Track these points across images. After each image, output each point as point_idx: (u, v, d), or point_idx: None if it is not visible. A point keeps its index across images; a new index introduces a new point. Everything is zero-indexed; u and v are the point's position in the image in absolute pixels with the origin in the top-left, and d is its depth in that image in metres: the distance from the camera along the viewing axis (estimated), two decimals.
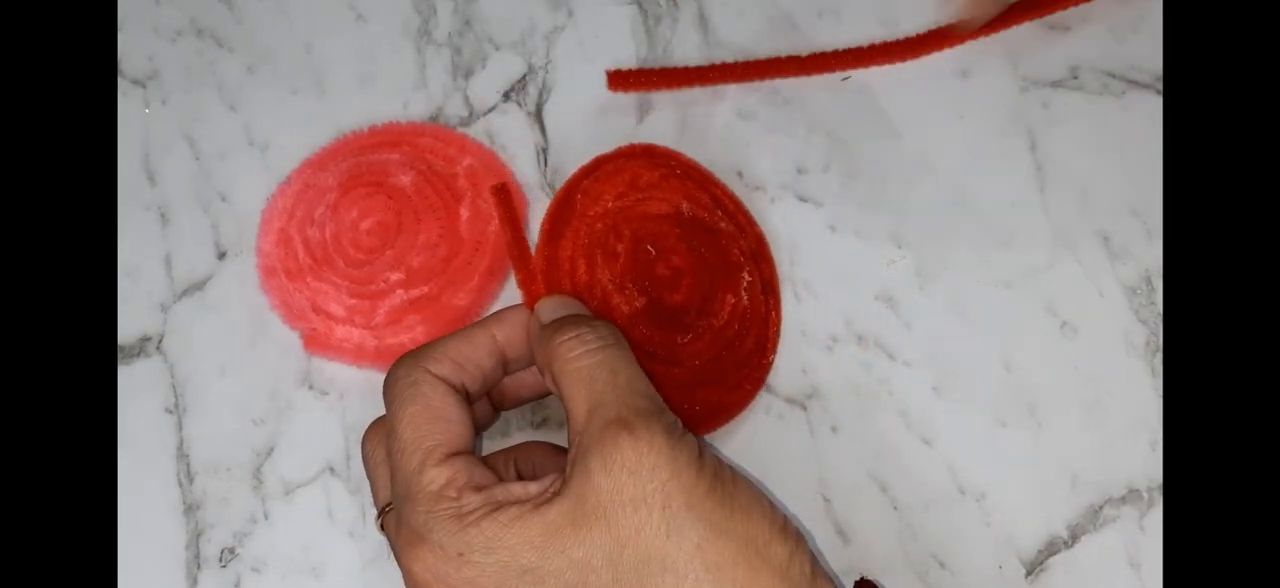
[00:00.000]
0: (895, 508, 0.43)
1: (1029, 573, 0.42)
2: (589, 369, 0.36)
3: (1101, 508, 0.42)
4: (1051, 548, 0.42)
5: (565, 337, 0.37)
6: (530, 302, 0.42)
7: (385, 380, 0.39)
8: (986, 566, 0.42)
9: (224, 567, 0.43)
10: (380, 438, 0.39)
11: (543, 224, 0.44)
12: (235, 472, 0.44)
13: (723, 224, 0.45)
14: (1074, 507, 0.42)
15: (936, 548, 0.42)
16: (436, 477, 0.36)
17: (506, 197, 0.45)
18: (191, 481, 0.44)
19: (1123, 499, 0.42)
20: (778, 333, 0.45)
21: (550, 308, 0.40)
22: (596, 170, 0.45)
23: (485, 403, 0.42)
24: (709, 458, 0.35)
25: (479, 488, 0.36)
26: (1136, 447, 0.43)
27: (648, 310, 0.43)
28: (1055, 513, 0.42)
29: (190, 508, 0.44)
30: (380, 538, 0.43)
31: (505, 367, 0.40)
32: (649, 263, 0.44)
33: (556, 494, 0.35)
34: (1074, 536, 0.42)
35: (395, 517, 0.37)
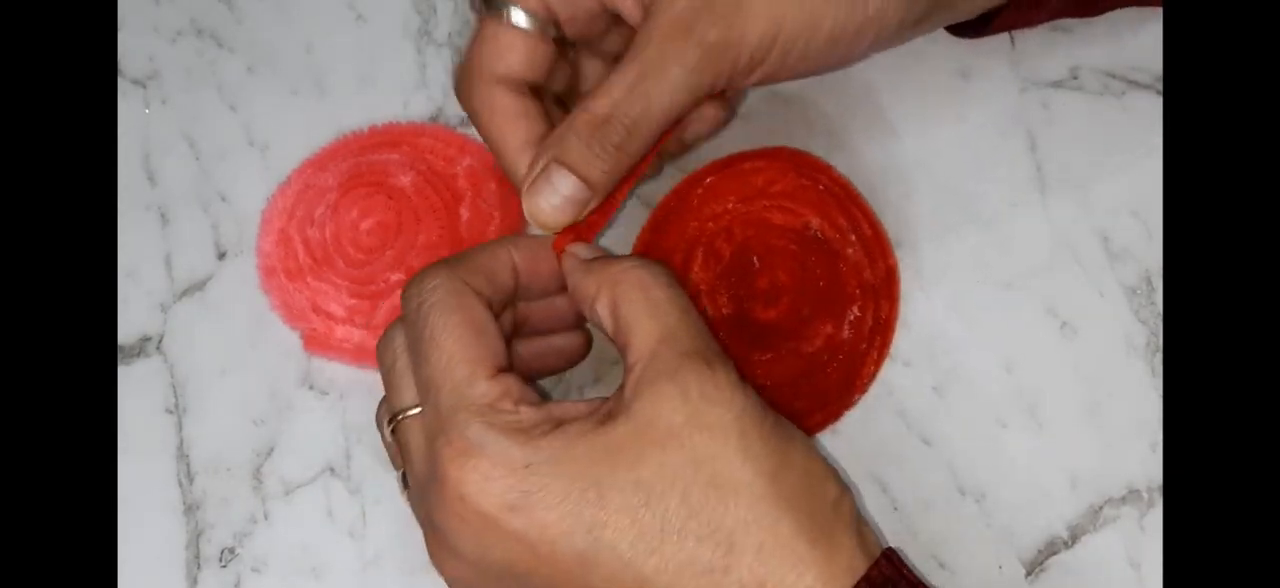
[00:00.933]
0: (895, 508, 0.43)
1: (1029, 573, 0.42)
2: (663, 301, 0.36)
3: (1101, 508, 0.42)
4: (1051, 548, 0.42)
5: (632, 265, 0.37)
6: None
7: (413, 288, 0.37)
8: (986, 566, 0.42)
9: (224, 567, 0.43)
10: (399, 341, 0.37)
11: (654, 212, 0.43)
12: (235, 472, 0.44)
13: (851, 251, 0.44)
14: (1074, 507, 0.42)
15: (936, 548, 0.42)
16: (490, 390, 0.35)
17: None
18: (191, 481, 0.44)
19: (1123, 499, 0.42)
20: (873, 376, 0.43)
21: (587, 250, 0.39)
22: (729, 167, 0.44)
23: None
24: (769, 408, 0.36)
25: (534, 404, 0.35)
26: (1136, 447, 0.43)
27: (732, 319, 0.42)
28: (1055, 513, 0.42)
29: (190, 508, 0.44)
30: (380, 538, 0.43)
31: (515, 289, 0.39)
32: (750, 274, 0.43)
33: (614, 414, 0.34)
34: (1074, 536, 0.42)
35: (431, 429, 0.35)
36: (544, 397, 0.37)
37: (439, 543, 0.36)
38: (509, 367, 0.36)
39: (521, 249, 0.39)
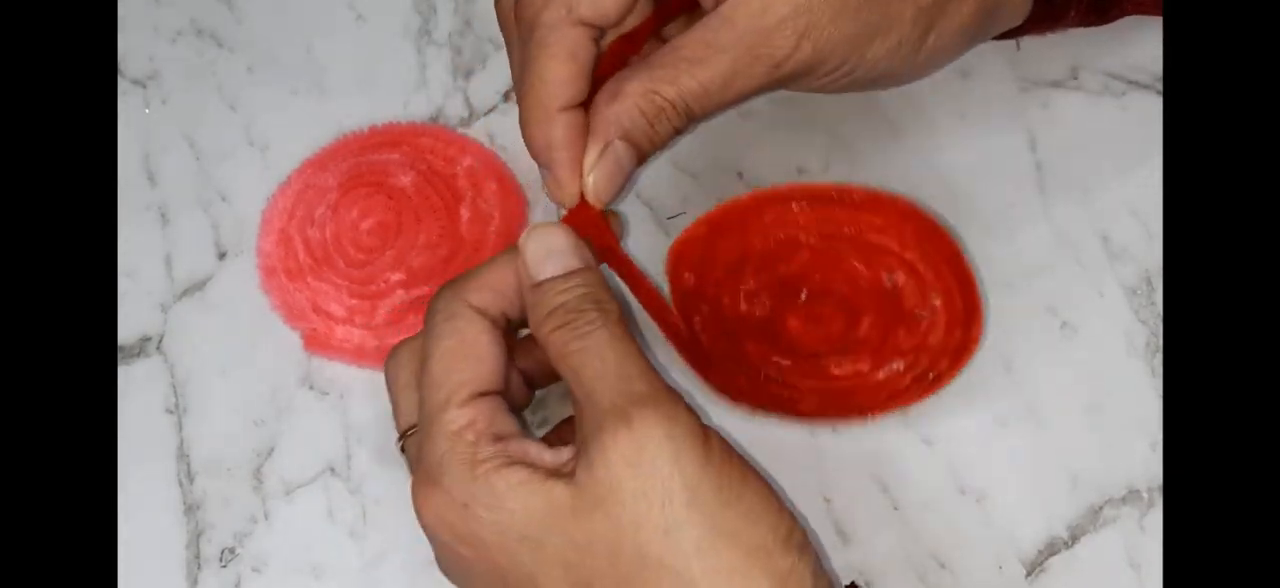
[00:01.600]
0: (895, 508, 0.43)
1: (1029, 573, 0.42)
2: (578, 355, 0.35)
3: (1101, 508, 0.42)
4: (1051, 548, 0.42)
5: (552, 324, 0.36)
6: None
7: (426, 311, 0.38)
8: (986, 566, 0.42)
9: (224, 567, 0.43)
10: (408, 360, 0.39)
11: (716, 213, 0.44)
12: (235, 472, 0.44)
13: (924, 311, 0.43)
14: (1074, 507, 0.42)
15: (936, 548, 0.42)
16: (457, 417, 0.35)
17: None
18: (192, 481, 0.44)
19: (1123, 499, 0.42)
20: (885, 410, 0.43)
21: (534, 256, 0.37)
22: (839, 201, 0.44)
23: (519, 381, 0.40)
24: (717, 449, 0.34)
25: (498, 437, 0.35)
26: (1136, 447, 0.43)
27: (762, 323, 0.43)
28: (1055, 513, 0.42)
29: (190, 508, 0.44)
30: (380, 538, 0.43)
31: None
32: (793, 301, 0.43)
33: (559, 470, 0.34)
34: (1074, 536, 0.42)
35: (417, 447, 0.37)
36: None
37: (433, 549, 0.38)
38: (497, 389, 0.37)
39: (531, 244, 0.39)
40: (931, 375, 0.43)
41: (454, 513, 0.35)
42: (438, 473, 0.35)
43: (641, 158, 0.39)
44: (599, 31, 0.39)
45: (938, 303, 0.43)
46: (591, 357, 0.35)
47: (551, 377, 0.40)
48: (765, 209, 0.44)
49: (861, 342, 0.43)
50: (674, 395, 0.34)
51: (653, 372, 0.35)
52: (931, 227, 0.44)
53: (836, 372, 0.43)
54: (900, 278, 0.44)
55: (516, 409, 0.40)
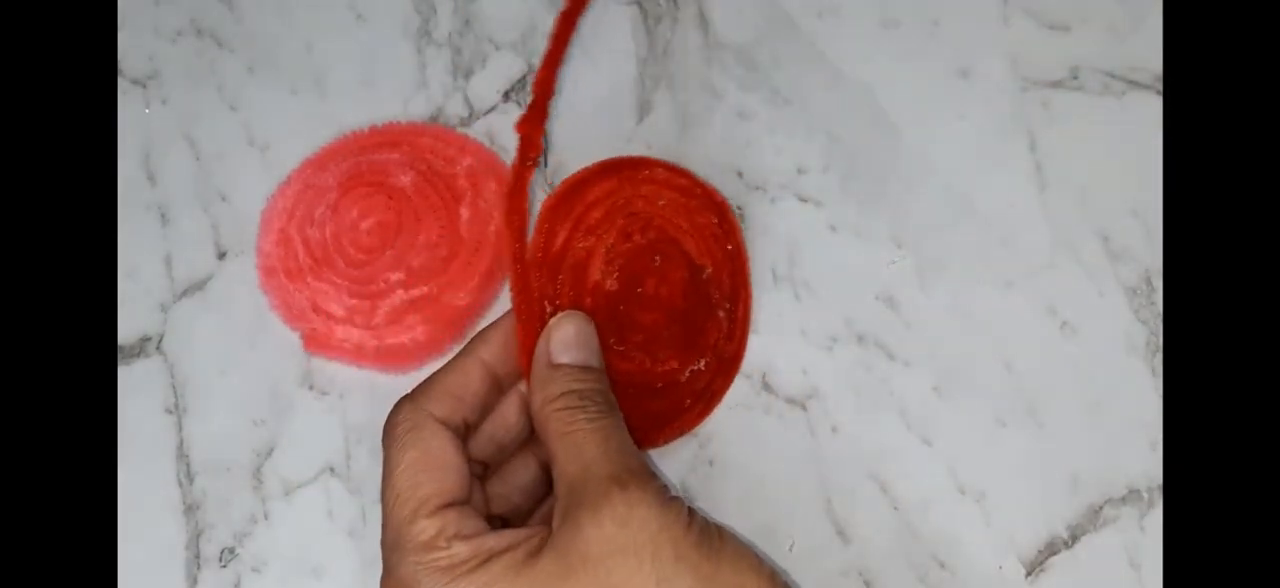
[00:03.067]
0: (895, 508, 0.43)
1: (1029, 573, 0.42)
2: (583, 435, 0.37)
3: (1101, 508, 0.42)
4: (1051, 548, 0.42)
5: (561, 405, 0.38)
6: (516, 242, 0.42)
7: (386, 424, 0.39)
8: (986, 566, 0.42)
9: (224, 567, 0.43)
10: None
11: (603, 163, 0.43)
12: (235, 472, 0.44)
13: (722, 315, 0.44)
14: (1074, 507, 0.42)
15: (936, 548, 0.42)
16: (427, 527, 0.36)
17: (527, 146, 0.44)
18: (191, 481, 0.44)
19: (1123, 499, 0.42)
20: (683, 430, 0.43)
21: (561, 339, 0.39)
22: (676, 175, 0.44)
23: (523, 411, 0.41)
24: (697, 517, 0.36)
25: (468, 538, 0.36)
26: (1136, 447, 0.43)
27: (610, 296, 0.42)
28: (1055, 513, 0.42)
29: (190, 508, 0.44)
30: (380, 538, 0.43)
31: (499, 387, 0.41)
32: (647, 270, 0.43)
33: (540, 548, 0.35)
34: (1074, 536, 0.42)
35: (384, 565, 0.37)
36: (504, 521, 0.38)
37: None
38: (464, 498, 0.37)
39: (490, 345, 0.40)
40: (714, 389, 0.43)
41: None
42: (412, 583, 0.35)
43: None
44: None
45: (728, 306, 0.44)
46: (597, 436, 0.37)
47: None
48: (638, 169, 0.44)
49: (683, 334, 0.43)
50: (665, 479, 0.37)
51: (645, 459, 0.37)
52: (732, 221, 0.44)
53: (657, 368, 0.43)
54: (709, 269, 0.44)
55: (514, 443, 0.42)
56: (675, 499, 0.36)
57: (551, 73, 0.46)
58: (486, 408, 0.40)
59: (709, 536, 0.36)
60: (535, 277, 0.42)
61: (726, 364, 0.44)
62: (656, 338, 0.43)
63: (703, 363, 0.43)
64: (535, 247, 0.42)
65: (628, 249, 0.43)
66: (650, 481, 0.36)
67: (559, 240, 0.42)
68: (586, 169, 0.44)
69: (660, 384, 0.43)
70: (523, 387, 0.41)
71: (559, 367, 0.39)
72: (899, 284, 0.45)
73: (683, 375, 0.43)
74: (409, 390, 0.39)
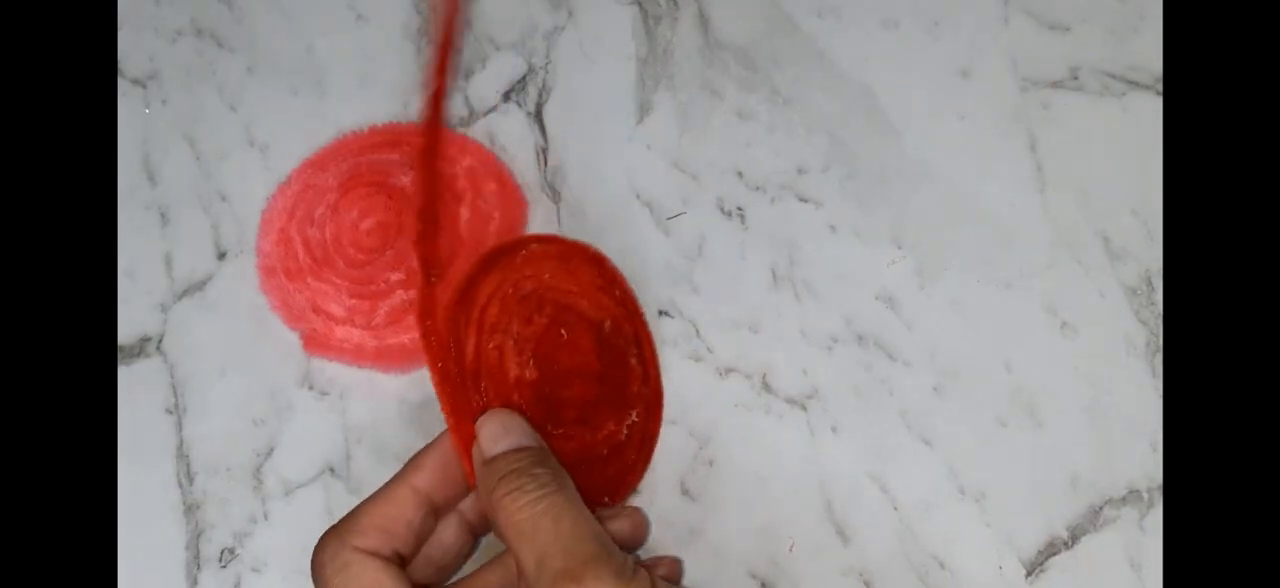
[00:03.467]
0: (895, 508, 0.43)
1: (1029, 573, 0.42)
2: (532, 520, 0.35)
3: (1101, 508, 0.42)
4: (1051, 548, 0.42)
5: (503, 491, 0.36)
6: (429, 304, 0.41)
7: (312, 564, 0.37)
8: (986, 566, 0.42)
9: (224, 567, 0.43)
10: None
11: (482, 257, 0.42)
12: (235, 472, 0.44)
13: (633, 361, 0.43)
14: (1074, 507, 0.42)
15: (936, 548, 0.42)
16: None
17: (428, 290, 0.43)
18: (191, 481, 0.44)
19: (1123, 499, 0.42)
20: (635, 483, 0.43)
21: (490, 434, 0.38)
22: (549, 243, 0.43)
23: (463, 531, 0.40)
24: None
25: None
26: (1136, 447, 0.43)
27: (534, 385, 0.42)
28: (1055, 513, 0.42)
29: (190, 508, 0.44)
30: None
31: (436, 512, 0.39)
32: (558, 347, 0.42)
33: None
34: (1074, 536, 0.42)
35: None
36: None
37: None
38: None
39: (422, 472, 0.39)
40: (650, 431, 0.43)
41: None
42: None
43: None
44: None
45: (636, 350, 0.43)
46: (544, 519, 0.35)
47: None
48: (516, 252, 0.43)
49: (610, 395, 0.43)
50: (622, 555, 0.35)
51: (602, 533, 0.35)
52: (611, 270, 0.44)
53: (594, 439, 0.42)
54: (608, 323, 0.43)
55: (456, 564, 0.40)
56: (638, 577, 0.34)
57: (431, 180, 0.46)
58: (422, 537, 0.39)
59: None
60: (460, 393, 0.41)
61: (652, 405, 0.43)
62: (588, 408, 0.42)
63: (635, 414, 0.43)
64: (449, 362, 0.41)
65: (532, 333, 0.42)
66: (606, 565, 0.34)
67: (470, 349, 0.41)
68: (465, 269, 0.42)
69: (605, 450, 0.42)
70: (463, 505, 0.40)
71: (494, 458, 0.37)
72: (899, 284, 0.45)
73: (622, 434, 0.42)
74: (331, 526, 0.38)
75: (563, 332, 0.42)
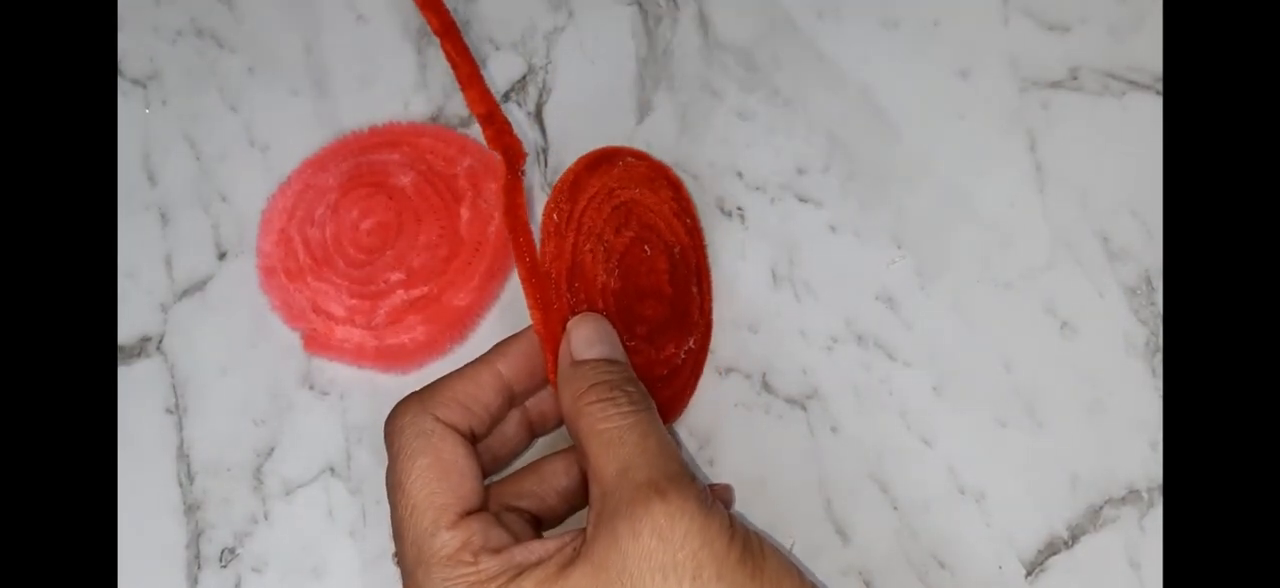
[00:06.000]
0: (895, 508, 0.43)
1: (1029, 573, 0.42)
2: (619, 431, 0.35)
3: (1101, 508, 0.42)
4: (1051, 548, 0.42)
5: (593, 398, 0.36)
6: (523, 257, 0.41)
7: (388, 425, 0.37)
8: (986, 566, 0.42)
9: (224, 567, 0.43)
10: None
11: (583, 159, 0.43)
12: (235, 472, 0.44)
13: (694, 289, 0.44)
14: (1074, 507, 0.42)
15: (936, 548, 0.42)
16: (450, 540, 0.34)
17: (514, 182, 0.44)
18: (192, 481, 0.44)
19: (1123, 499, 0.42)
20: (681, 410, 0.44)
21: (584, 337, 0.38)
22: (640, 160, 0.44)
23: (523, 427, 0.40)
24: (739, 528, 0.34)
25: (496, 551, 0.34)
26: (1136, 447, 0.43)
27: (617, 295, 0.42)
28: (1055, 513, 0.42)
29: (190, 508, 0.44)
30: (380, 538, 0.43)
31: (511, 401, 0.39)
32: (640, 262, 0.43)
33: (578, 554, 0.34)
34: (1074, 536, 0.42)
35: (403, 576, 0.35)
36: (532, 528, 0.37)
37: None
38: (480, 506, 0.36)
39: (508, 359, 0.39)
40: (699, 363, 0.44)
41: None
42: None
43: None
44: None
45: (697, 280, 0.44)
46: (631, 434, 0.35)
47: (557, 423, 0.41)
48: (615, 159, 0.44)
49: (677, 318, 0.43)
50: (702, 484, 0.35)
51: (684, 460, 0.35)
52: (688, 200, 0.45)
53: (656, 358, 0.42)
54: (679, 249, 0.44)
55: (510, 458, 0.41)
56: (716, 508, 0.34)
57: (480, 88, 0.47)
58: (495, 422, 0.39)
59: (751, 551, 0.34)
60: (550, 289, 0.41)
61: (705, 335, 0.45)
62: (657, 327, 0.43)
63: (692, 341, 0.44)
64: (546, 257, 0.41)
65: (620, 245, 0.43)
66: (691, 487, 0.34)
67: (568, 246, 0.42)
68: (572, 168, 0.43)
69: (665, 372, 0.43)
70: (529, 403, 0.40)
71: (583, 362, 0.37)
72: (899, 284, 0.45)
73: (679, 358, 0.43)
74: (413, 391, 0.38)
75: (646, 248, 0.43)
